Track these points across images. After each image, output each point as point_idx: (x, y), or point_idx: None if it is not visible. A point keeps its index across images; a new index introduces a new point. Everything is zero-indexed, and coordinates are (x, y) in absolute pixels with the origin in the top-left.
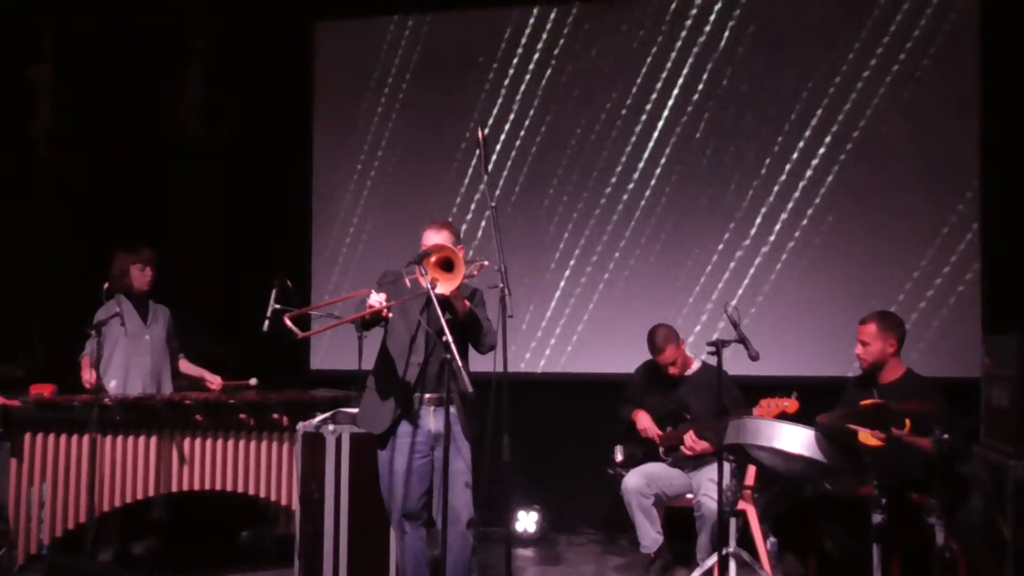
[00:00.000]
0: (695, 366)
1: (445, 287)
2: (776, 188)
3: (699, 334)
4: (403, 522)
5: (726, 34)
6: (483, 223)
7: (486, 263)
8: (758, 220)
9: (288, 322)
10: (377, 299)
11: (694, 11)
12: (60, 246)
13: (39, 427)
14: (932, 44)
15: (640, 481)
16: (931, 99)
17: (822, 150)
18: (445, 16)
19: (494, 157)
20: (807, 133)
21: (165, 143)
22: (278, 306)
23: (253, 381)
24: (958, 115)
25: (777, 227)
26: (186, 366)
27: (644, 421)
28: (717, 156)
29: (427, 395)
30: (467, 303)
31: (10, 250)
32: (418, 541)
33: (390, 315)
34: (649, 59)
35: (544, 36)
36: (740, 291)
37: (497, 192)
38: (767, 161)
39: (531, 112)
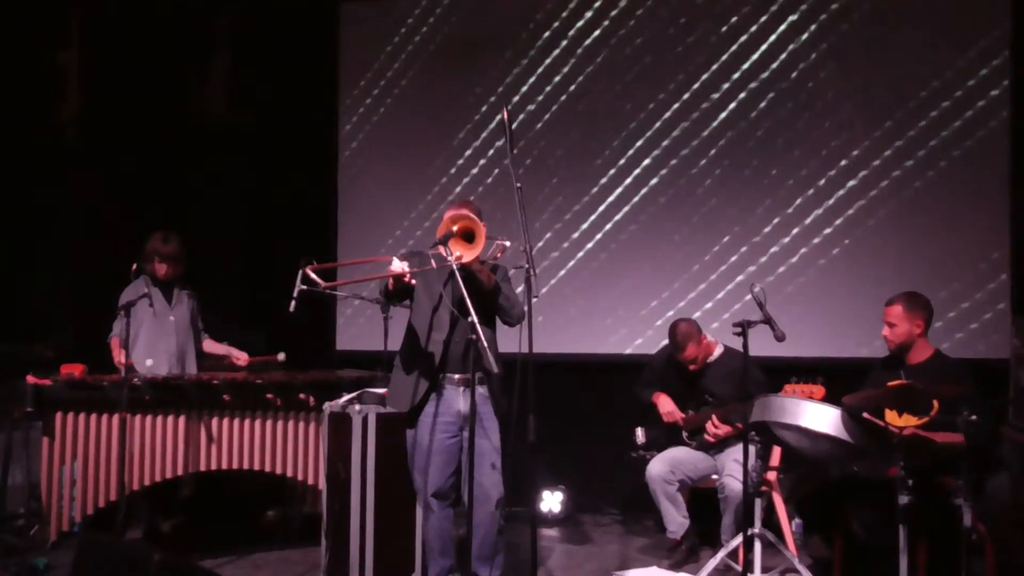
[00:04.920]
0: (717, 352)
1: (466, 255)
2: (804, 172)
3: (727, 317)
4: (431, 501)
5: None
6: (492, 210)
7: (508, 244)
8: (782, 201)
9: (311, 273)
10: (399, 266)
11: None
12: (88, 228)
13: (70, 406)
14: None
15: (664, 468)
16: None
17: (866, 142)
18: None
19: (528, 137)
20: (852, 127)
21: (192, 126)
22: (304, 287)
23: (281, 356)
24: (989, 98)
25: (804, 207)
26: (211, 345)
27: (667, 405)
28: (759, 139)
29: (455, 375)
30: (491, 274)
31: (40, 232)
32: (445, 521)
33: (413, 282)
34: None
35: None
36: (767, 271)
37: (525, 164)
38: (805, 145)
39: (567, 89)
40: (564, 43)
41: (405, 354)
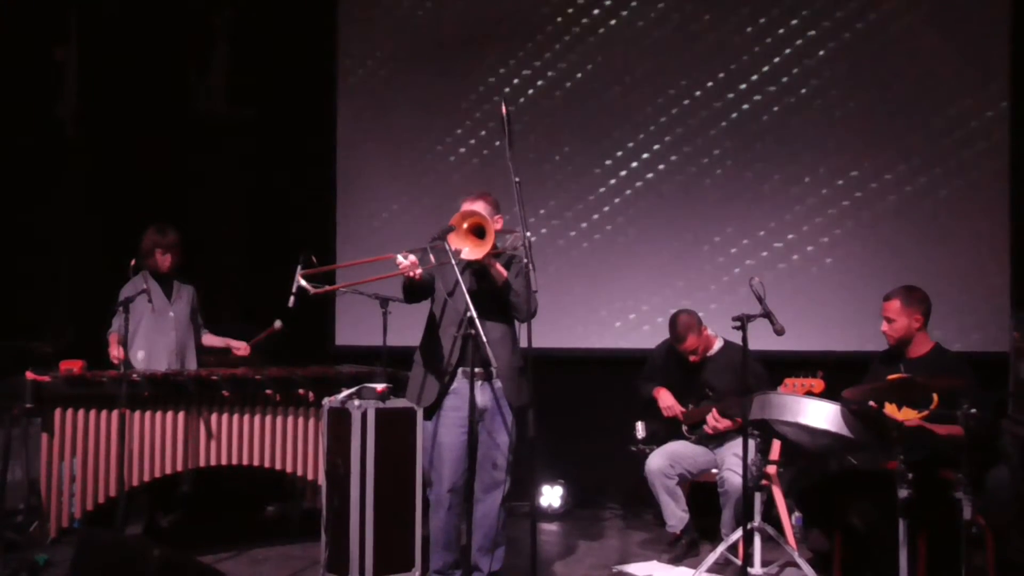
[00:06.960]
0: (717, 345)
1: (474, 253)
2: (808, 179)
3: (725, 309)
4: (444, 497)
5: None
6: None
7: (518, 231)
8: (786, 202)
9: (302, 280)
10: (404, 261)
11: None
12: (88, 224)
13: (69, 403)
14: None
15: (663, 462)
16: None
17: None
18: None
19: (530, 129)
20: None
21: (190, 121)
22: (303, 282)
23: (278, 324)
24: (986, 78)
25: (809, 208)
26: (210, 339)
27: (666, 399)
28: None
29: (471, 369)
30: (502, 269)
31: (39, 228)
32: (454, 516)
33: (417, 271)
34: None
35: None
36: (768, 265)
37: (526, 156)
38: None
39: (569, 78)
40: (575, 30)
41: (423, 348)
